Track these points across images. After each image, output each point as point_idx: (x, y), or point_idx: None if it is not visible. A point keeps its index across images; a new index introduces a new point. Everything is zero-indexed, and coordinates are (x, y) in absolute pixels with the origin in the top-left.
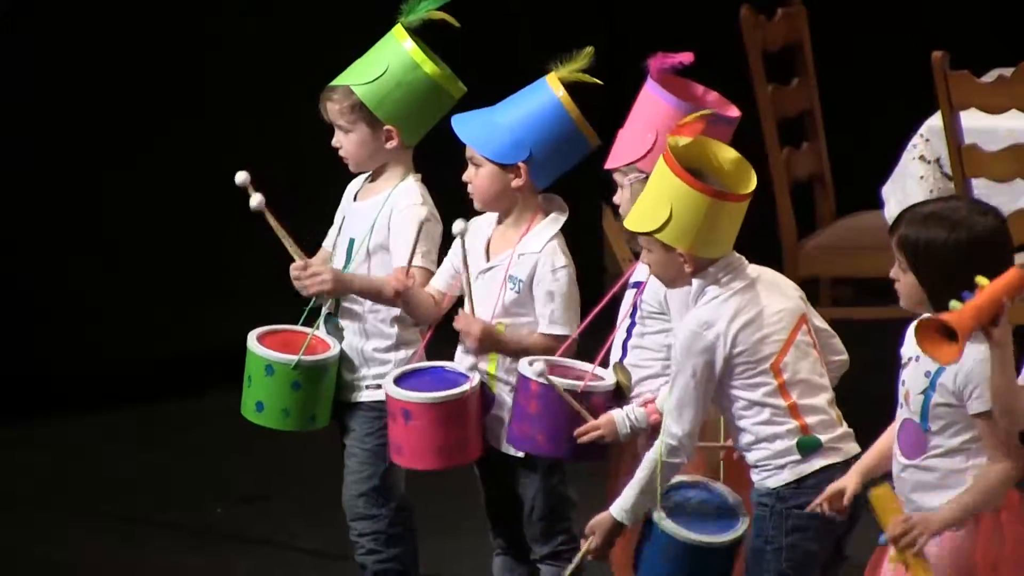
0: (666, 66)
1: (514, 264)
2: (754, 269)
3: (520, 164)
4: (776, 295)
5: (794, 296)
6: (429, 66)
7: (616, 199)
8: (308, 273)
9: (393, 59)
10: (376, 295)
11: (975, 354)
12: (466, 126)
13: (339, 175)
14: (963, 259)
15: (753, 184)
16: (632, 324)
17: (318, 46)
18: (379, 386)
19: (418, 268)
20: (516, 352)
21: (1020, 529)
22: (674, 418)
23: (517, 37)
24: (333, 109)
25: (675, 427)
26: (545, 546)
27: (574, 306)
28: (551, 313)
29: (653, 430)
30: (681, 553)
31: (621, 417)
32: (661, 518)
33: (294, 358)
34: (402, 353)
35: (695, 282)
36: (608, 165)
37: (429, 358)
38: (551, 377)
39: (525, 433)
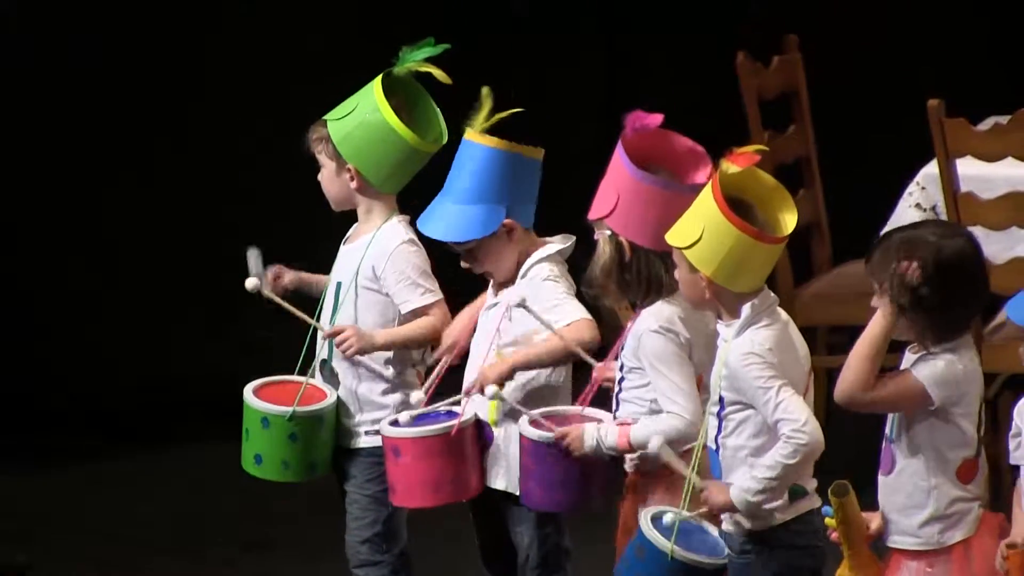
0: (637, 126)
1: (510, 293)
2: (781, 312)
3: (506, 222)
4: (799, 341)
5: (804, 344)
6: (388, 113)
7: None
8: (339, 340)
9: (362, 100)
10: (404, 344)
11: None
12: (435, 226)
13: None
14: (932, 283)
15: (790, 228)
16: (623, 378)
17: (324, 54)
18: (378, 431)
19: (427, 306)
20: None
21: (988, 544)
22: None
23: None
24: (311, 139)
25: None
26: None
27: (571, 299)
28: (555, 310)
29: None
30: (680, 570)
31: (592, 431)
32: (674, 550)
33: (289, 410)
34: (400, 396)
35: (744, 309)
36: (589, 216)
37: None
38: (530, 428)
39: (525, 488)
